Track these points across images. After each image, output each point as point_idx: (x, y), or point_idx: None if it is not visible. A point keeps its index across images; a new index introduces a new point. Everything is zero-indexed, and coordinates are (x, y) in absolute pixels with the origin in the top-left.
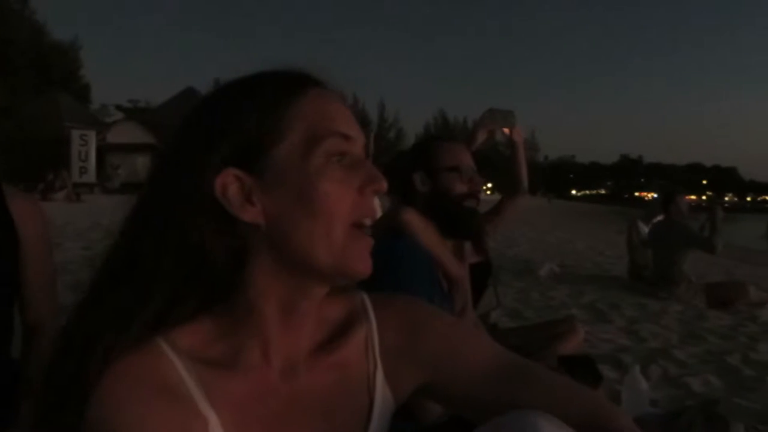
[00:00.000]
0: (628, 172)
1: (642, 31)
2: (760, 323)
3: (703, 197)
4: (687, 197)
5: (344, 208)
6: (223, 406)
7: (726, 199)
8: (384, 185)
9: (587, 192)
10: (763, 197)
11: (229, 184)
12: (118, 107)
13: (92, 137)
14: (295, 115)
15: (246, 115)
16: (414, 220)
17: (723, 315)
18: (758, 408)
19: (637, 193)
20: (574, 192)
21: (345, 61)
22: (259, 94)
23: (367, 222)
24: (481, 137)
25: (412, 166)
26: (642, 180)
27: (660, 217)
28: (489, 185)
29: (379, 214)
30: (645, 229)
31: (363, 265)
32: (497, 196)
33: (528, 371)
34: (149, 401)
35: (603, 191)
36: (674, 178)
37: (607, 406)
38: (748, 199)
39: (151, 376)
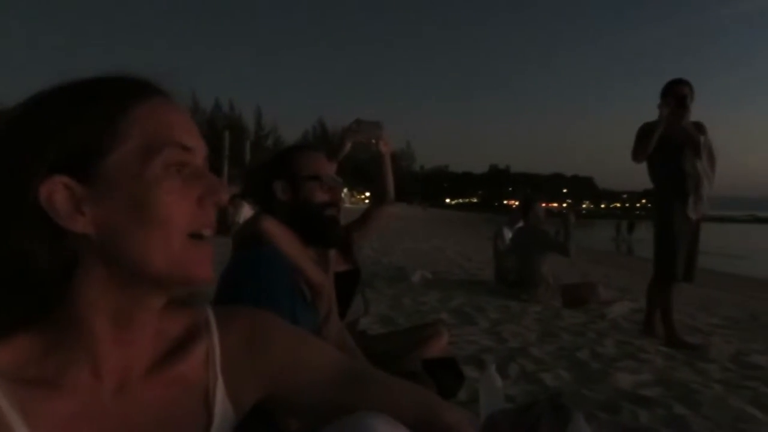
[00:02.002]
0: (497, 181)
1: (512, 47)
2: (607, 320)
3: (564, 204)
4: (548, 204)
5: (181, 218)
6: (45, 430)
7: (584, 206)
8: (225, 197)
9: (460, 200)
10: (615, 204)
11: (55, 192)
12: None
13: None
14: (132, 123)
15: (78, 120)
16: (273, 229)
17: (576, 313)
18: (601, 398)
19: (505, 201)
20: (448, 200)
21: (223, 67)
22: (95, 98)
23: (207, 233)
24: (347, 148)
25: (272, 175)
26: (510, 189)
27: (521, 224)
28: (367, 194)
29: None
30: (509, 235)
31: (202, 270)
32: None
33: (366, 376)
34: None
35: (475, 199)
36: (539, 187)
37: (439, 403)
38: (603, 206)
39: None
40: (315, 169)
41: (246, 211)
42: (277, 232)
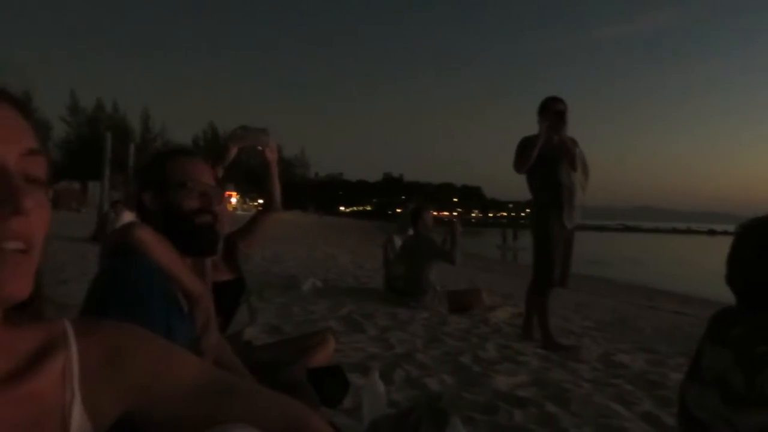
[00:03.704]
0: (391, 190)
1: (406, 57)
2: (490, 325)
3: (454, 213)
4: (439, 213)
5: None
6: None
7: (473, 214)
8: (24, 206)
9: (355, 208)
10: (502, 213)
11: None
12: None
13: None
14: None
15: None
16: (147, 237)
17: (461, 319)
18: (480, 400)
19: (398, 209)
20: (342, 208)
21: (108, 66)
22: None
23: (10, 246)
24: (232, 153)
25: (142, 184)
26: (403, 197)
27: (411, 232)
28: (260, 201)
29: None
30: (400, 243)
31: (8, 288)
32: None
33: (233, 387)
34: None
35: (369, 207)
36: (430, 196)
37: (307, 414)
38: (490, 215)
39: None
40: (182, 176)
41: (127, 217)
42: (151, 240)
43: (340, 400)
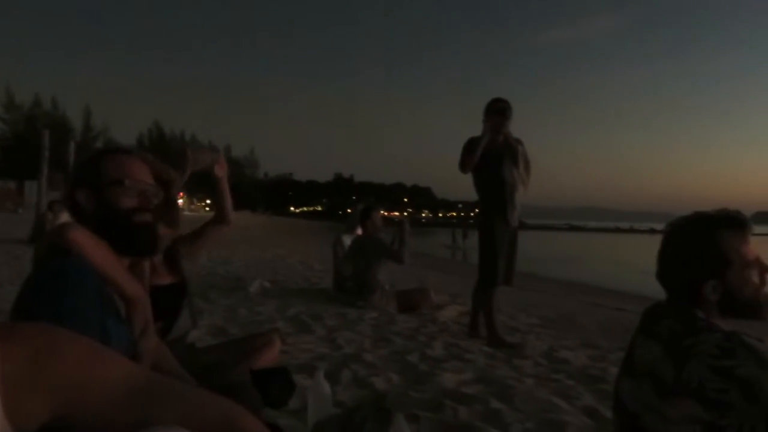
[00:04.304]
0: (341, 190)
1: (355, 57)
2: (438, 324)
3: (405, 213)
4: (390, 213)
5: None
6: None
7: (423, 214)
8: None
9: (305, 209)
10: (451, 213)
11: None
12: None
13: None
14: None
15: None
16: (81, 238)
17: (410, 318)
18: (426, 397)
19: (349, 210)
20: (293, 209)
21: (47, 63)
22: None
23: None
24: (186, 177)
25: (75, 183)
26: (354, 198)
27: (359, 232)
28: (207, 201)
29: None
30: (349, 242)
31: None
32: None
33: (168, 389)
34: None
35: (320, 208)
36: (381, 196)
37: (242, 414)
38: (440, 215)
39: None
40: (119, 173)
41: (65, 218)
42: (86, 241)
43: (285, 402)
